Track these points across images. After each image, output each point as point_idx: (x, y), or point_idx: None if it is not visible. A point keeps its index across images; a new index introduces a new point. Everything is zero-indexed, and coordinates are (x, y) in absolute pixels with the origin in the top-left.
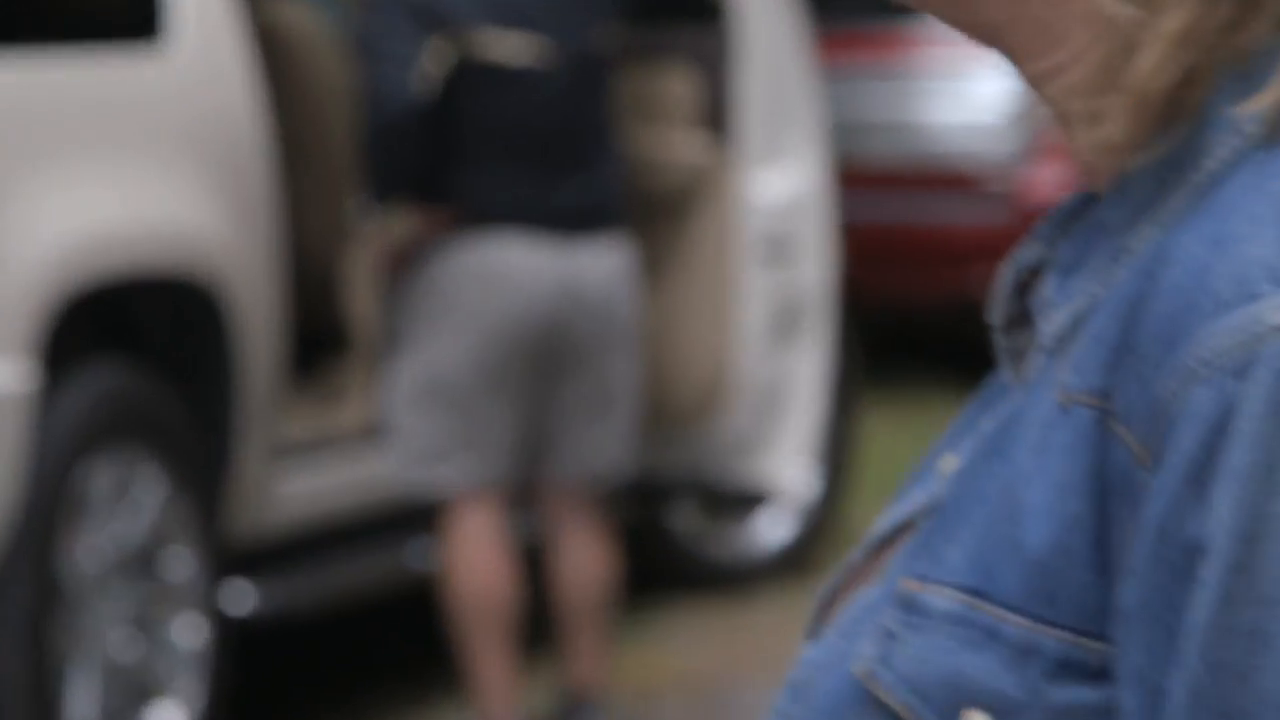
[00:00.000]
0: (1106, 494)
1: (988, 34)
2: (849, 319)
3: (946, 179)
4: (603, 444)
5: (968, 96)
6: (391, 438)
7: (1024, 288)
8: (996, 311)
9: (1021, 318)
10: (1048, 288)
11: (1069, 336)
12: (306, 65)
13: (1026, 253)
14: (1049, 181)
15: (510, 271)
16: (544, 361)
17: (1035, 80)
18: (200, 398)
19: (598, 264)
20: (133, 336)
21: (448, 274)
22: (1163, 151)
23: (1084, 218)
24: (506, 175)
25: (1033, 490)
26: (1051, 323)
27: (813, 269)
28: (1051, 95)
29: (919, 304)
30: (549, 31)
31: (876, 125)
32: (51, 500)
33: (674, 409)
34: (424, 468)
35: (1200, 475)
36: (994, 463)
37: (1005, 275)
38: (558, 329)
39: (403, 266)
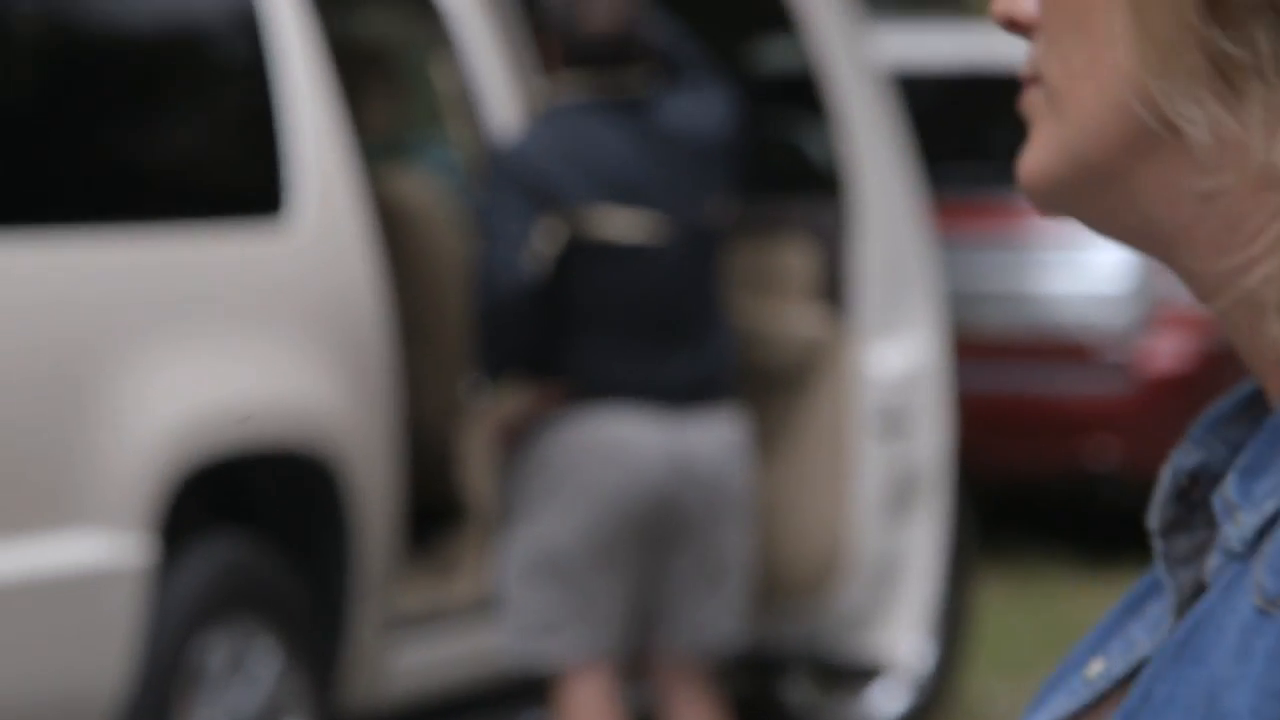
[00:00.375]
0: None
1: (1156, 241)
2: (964, 490)
3: (1064, 349)
4: (715, 616)
5: (1085, 266)
6: (503, 610)
7: (1183, 492)
8: (1154, 515)
9: (1181, 522)
10: (1230, 491)
11: (1259, 541)
12: (425, 237)
13: (1185, 457)
14: (1166, 353)
15: (621, 446)
16: (655, 534)
17: (1216, 279)
18: (316, 571)
19: (709, 437)
20: (251, 510)
21: (560, 448)
22: None
23: (1255, 419)
24: (618, 350)
25: (1236, 696)
26: (1239, 527)
27: (928, 442)
28: (1234, 293)
29: (1035, 475)
30: (661, 206)
31: (994, 295)
32: (168, 673)
33: (789, 582)
34: (535, 641)
35: None
36: (1186, 668)
37: (1164, 479)
38: (668, 502)
39: (516, 440)
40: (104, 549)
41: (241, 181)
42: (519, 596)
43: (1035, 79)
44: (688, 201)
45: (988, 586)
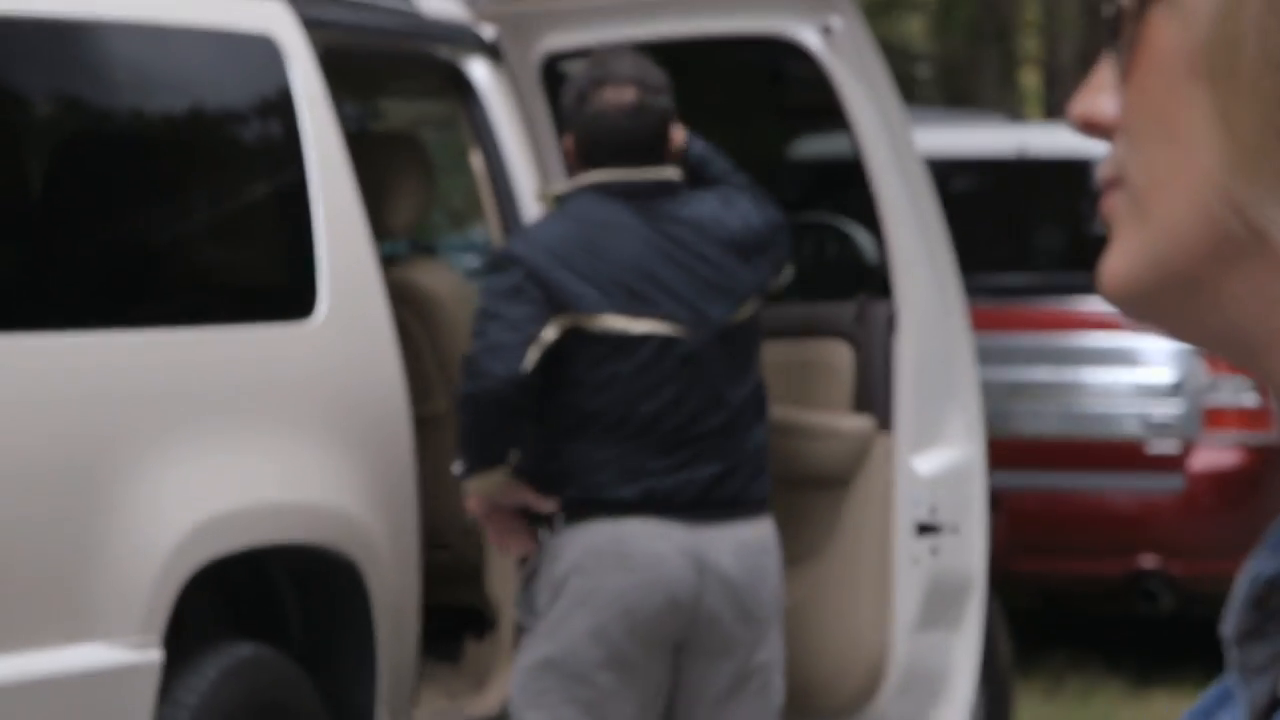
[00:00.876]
0: None
1: (1244, 348)
2: (1003, 597)
3: (1117, 449)
4: None
5: (1135, 365)
6: None
7: (1261, 600)
8: (1230, 623)
9: (1257, 630)
10: None
11: None
12: (453, 332)
13: (1264, 562)
14: (1218, 450)
15: (633, 551)
16: (674, 644)
17: None
18: (336, 680)
19: (733, 543)
20: (269, 617)
21: (570, 554)
22: None
23: None
24: (632, 454)
25: None
26: None
27: (969, 550)
28: None
29: (1086, 580)
30: (679, 308)
31: (1043, 395)
32: None
33: (831, 694)
34: None
35: None
36: None
37: (1240, 585)
38: (687, 610)
39: (497, 516)
40: (115, 654)
41: (267, 280)
42: (529, 709)
43: (1117, 182)
44: (710, 303)
45: (1028, 695)
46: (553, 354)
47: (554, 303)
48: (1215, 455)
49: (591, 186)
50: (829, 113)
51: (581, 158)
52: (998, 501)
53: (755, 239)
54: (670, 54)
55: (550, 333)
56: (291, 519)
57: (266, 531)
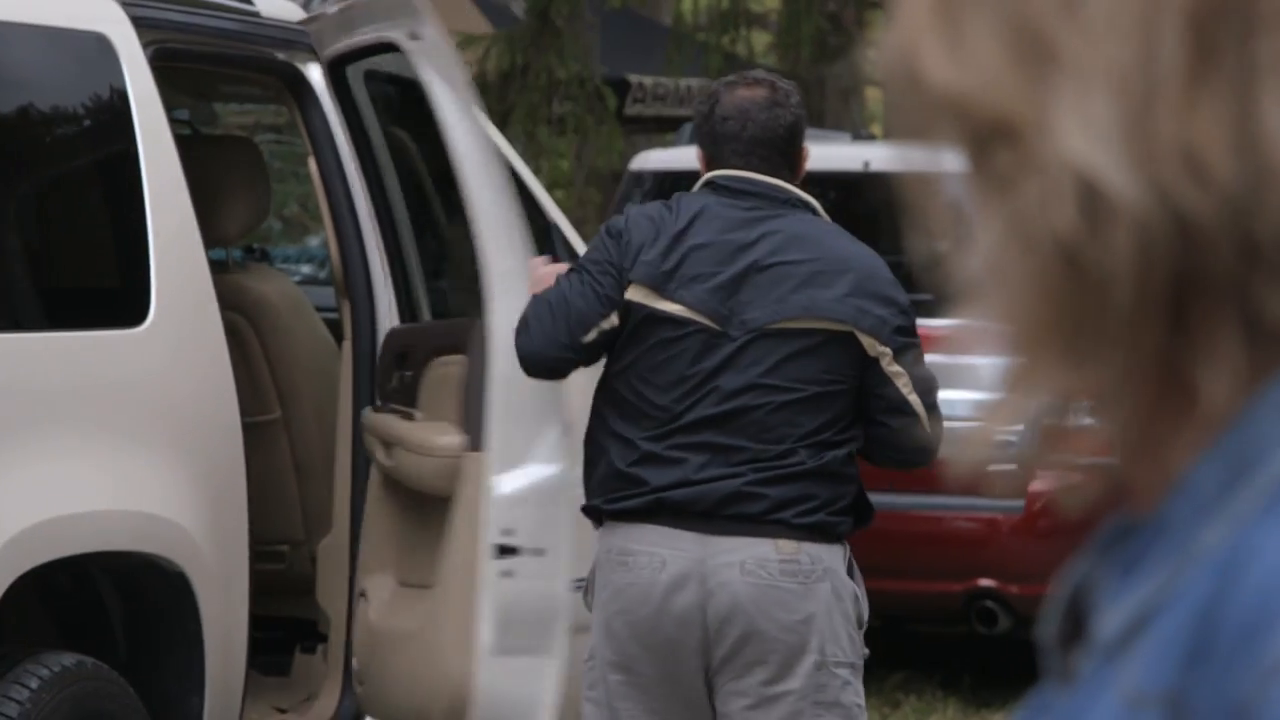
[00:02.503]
0: None
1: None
2: None
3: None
4: None
5: (978, 385)
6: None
7: (1077, 605)
8: (1045, 629)
9: (1072, 637)
10: (1105, 585)
11: (1131, 636)
12: (286, 337)
13: (1076, 570)
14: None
15: (641, 557)
16: (684, 657)
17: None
18: (162, 689)
19: (746, 556)
20: (93, 625)
21: (598, 554)
22: (1223, 451)
23: (1140, 523)
24: (651, 444)
25: None
26: (1111, 622)
27: (552, 573)
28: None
29: (925, 600)
30: (718, 311)
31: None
32: None
33: None
34: None
35: None
36: None
37: (1058, 592)
38: (693, 625)
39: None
40: None
41: (97, 285)
42: (585, 701)
43: None
44: (756, 305)
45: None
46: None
47: (622, 279)
48: (1055, 478)
49: (706, 184)
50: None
51: (710, 163)
52: None
53: (866, 275)
54: None
55: (616, 317)
56: (117, 527)
57: (90, 540)
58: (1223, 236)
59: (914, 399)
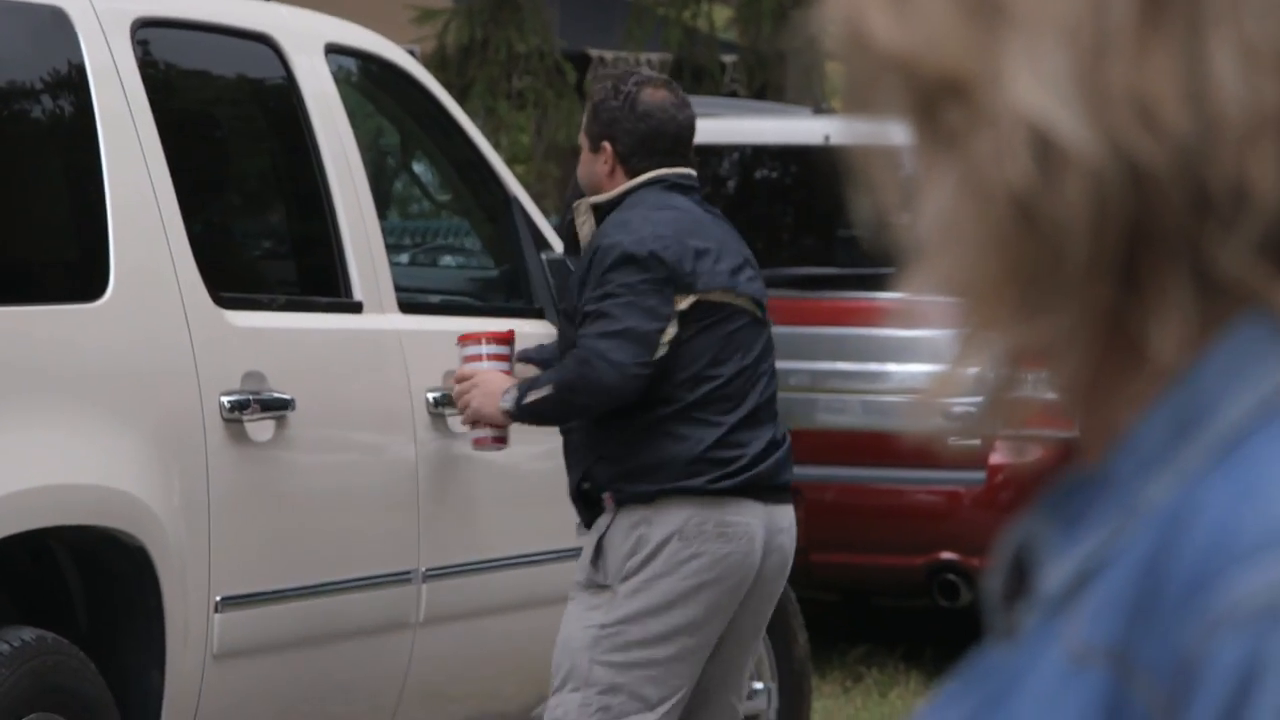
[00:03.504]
0: None
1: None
2: (801, 591)
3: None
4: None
5: (938, 357)
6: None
7: (1020, 562)
8: (990, 587)
9: (1019, 593)
10: (1049, 541)
11: (1075, 591)
12: None
13: (1020, 528)
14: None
15: (740, 527)
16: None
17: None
18: (123, 664)
19: (789, 517)
20: (53, 600)
21: (679, 524)
22: (1169, 405)
23: (1085, 479)
24: (737, 432)
25: None
26: (1055, 577)
27: None
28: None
29: (886, 573)
30: (756, 285)
31: (845, 387)
32: None
33: None
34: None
35: None
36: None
37: (1002, 549)
38: (755, 579)
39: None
40: None
41: (56, 260)
42: (605, 677)
43: None
44: (760, 286)
45: (826, 690)
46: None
47: (681, 287)
48: (1014, 449)
49: (653, 181)
50: None
51: (635, 153)
52: (798, 494)
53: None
54: None
55: (675, 324)
56: (76, 501)
57: (49, 514)
58: (1175, 186)
59: None
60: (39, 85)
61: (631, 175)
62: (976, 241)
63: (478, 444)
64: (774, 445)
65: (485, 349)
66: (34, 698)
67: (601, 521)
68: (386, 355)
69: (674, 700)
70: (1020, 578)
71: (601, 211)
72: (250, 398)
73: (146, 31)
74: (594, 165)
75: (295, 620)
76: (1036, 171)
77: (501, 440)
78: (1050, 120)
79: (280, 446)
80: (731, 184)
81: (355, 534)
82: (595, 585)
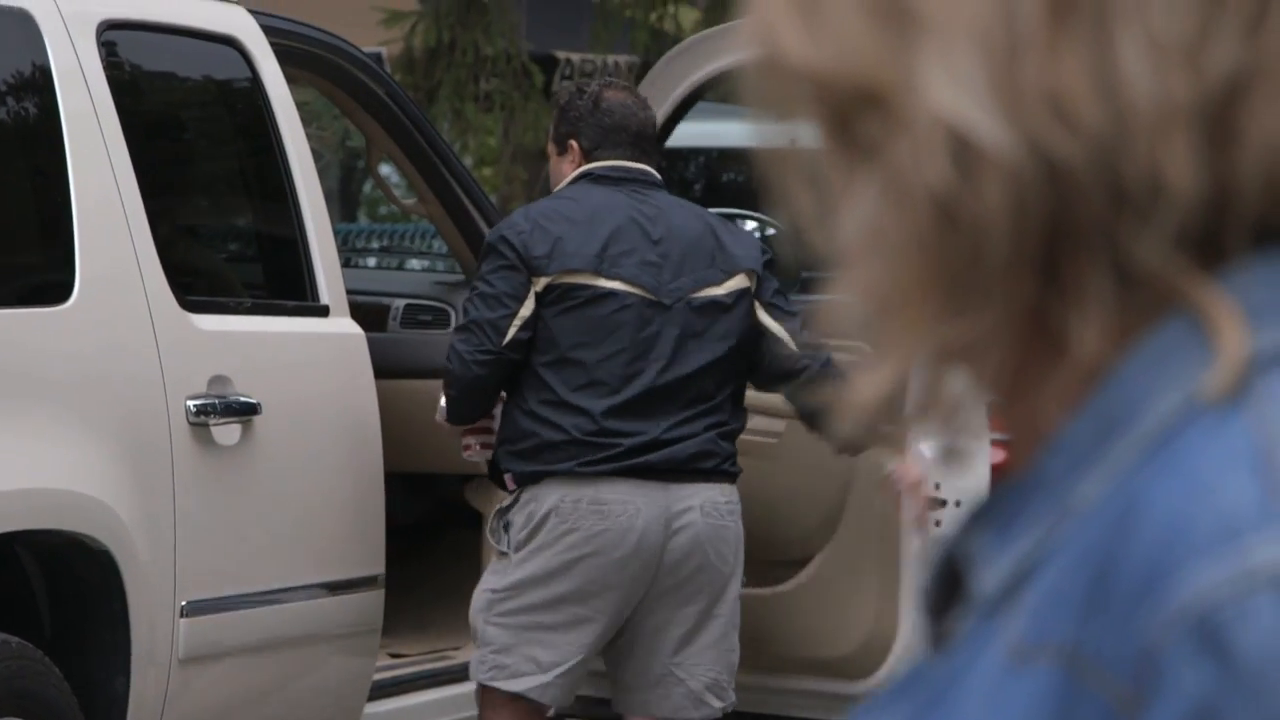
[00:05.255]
0: None
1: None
2: None
3: None
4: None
5: None
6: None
7: (951, 572)
8: (926, 597)
9: (949, 603)
10: (982, 544)
11: (1011, 591)
12: None
13: (956, 535)
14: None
15: (608, 504)
16: (648, 591)
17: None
18: (88, 668)
19: (697, 501)
20: (17, 604)
21: (556, 501)
22: (1096, 405)
23: (1014, 483)
24: (610, 413)
25: None
26: (990, 579)
27: None
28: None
29: None
30: (649, 283)
31: None
32: None
33: None
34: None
35: None
36: None
37: (936, 559)
38: (657, 561)
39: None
40: None
41: (21, 263)
42: (490, 625)
43: None
44: (671, 274)
45: None
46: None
47: (530, 266)
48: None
49: (584, 175)
50: None
51: (582, 146)
52: None
53: (741, 244)
54: None
55: (530, 304)
56: (41, 505)
57: (14, 518)
58: (1091, 182)
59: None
60: (3, 87)
61: None
62: (899, 247)
63: (466, 452)
64: (683, 436)
65: None
66: None
67: (507, 497)
68: (353, 359)
69: (568, 665)
70: (951, 588)
71: None
72: (216, 401)
73: (112, 34)
74: (561, 166)
75: (261, 625)
76: (955, 173)
77: (488, 446)
78: (967, 122)
79: (246, 450)
80: (698, 187)
81: (322, 538)
82: (499, 553)
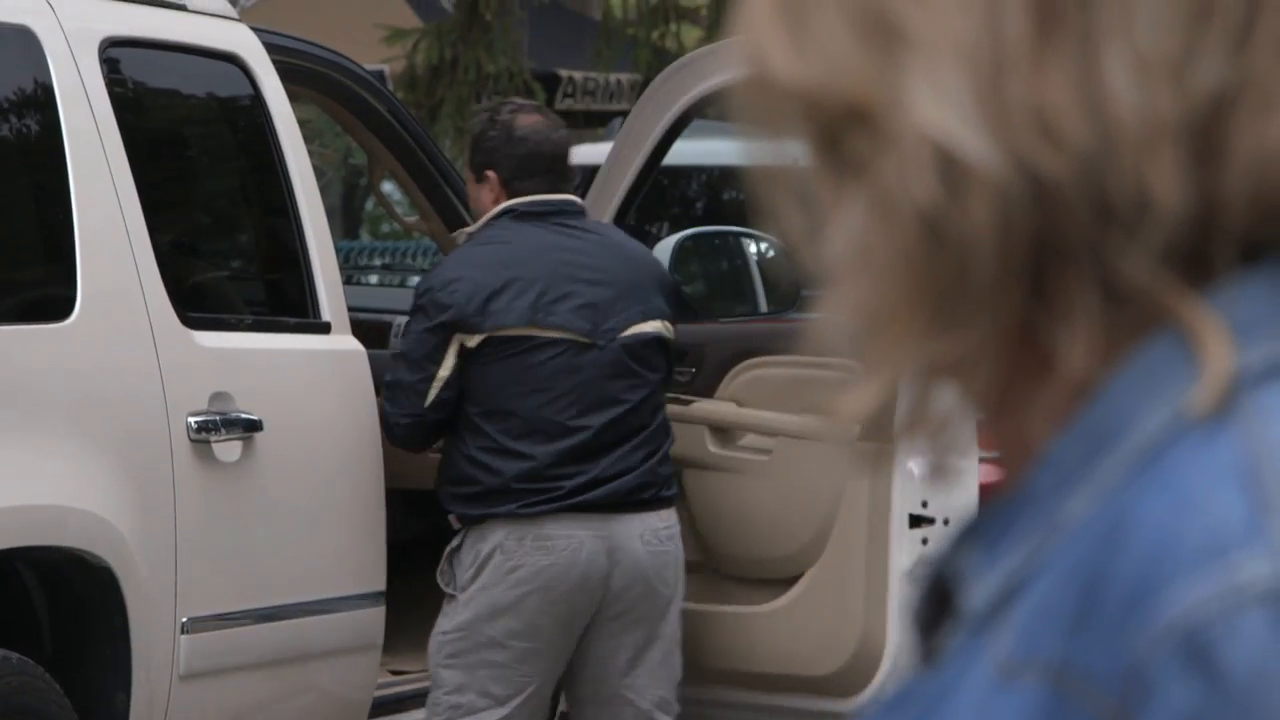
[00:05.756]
0: None
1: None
2: None
3: None
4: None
5: None
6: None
7: (939, 589)
8: (915, 615)
9: (937, 620)
10: (970, 560)
11: (999, 607)
12: None
13: (944, 552)
14: None
15: (555, 540)
16: (593, 619)
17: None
18: (89, 685)
19: (639, 530)
20: (19, 621)
21: (501, 538)
22: (1084, 422)
23: (1003, 500)
24: (555, 458)
25: None
26: (978, 595)
27: None
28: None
29: None
30: (584, 327)
31: None
32: None
33: None
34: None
35: None
36: None
37: (924, 576)
38: (602, 590)
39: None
40: None
41: (22, 280)
42: (445, 669)
43: None
44: (606, 312)
45: None
46: (470, 364)
47: (460, 325)
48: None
49: (506, 211)
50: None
51: (501, 180)
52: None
53: (653, 271)
54: None
55: (449, 364)
56: (41, 521)
57: (14, 534)
58: (1078, 198)
59: None
60: (5, 105)
61: (515, 197)
62: (886, 263)
63: None
64: (622, 470)
65: None
66: None
67: (454, 538)
68: (355, 375)
69: (523, 696)
70: (939, 605)
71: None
72: (218, 418)
73: (114, 51)
74: (480, 195)
75: (262, 641)
76: (942, 190)
77: None
78: (953, 138)
79: (248, 467)
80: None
81: (324, 554)
82: (446, 594)
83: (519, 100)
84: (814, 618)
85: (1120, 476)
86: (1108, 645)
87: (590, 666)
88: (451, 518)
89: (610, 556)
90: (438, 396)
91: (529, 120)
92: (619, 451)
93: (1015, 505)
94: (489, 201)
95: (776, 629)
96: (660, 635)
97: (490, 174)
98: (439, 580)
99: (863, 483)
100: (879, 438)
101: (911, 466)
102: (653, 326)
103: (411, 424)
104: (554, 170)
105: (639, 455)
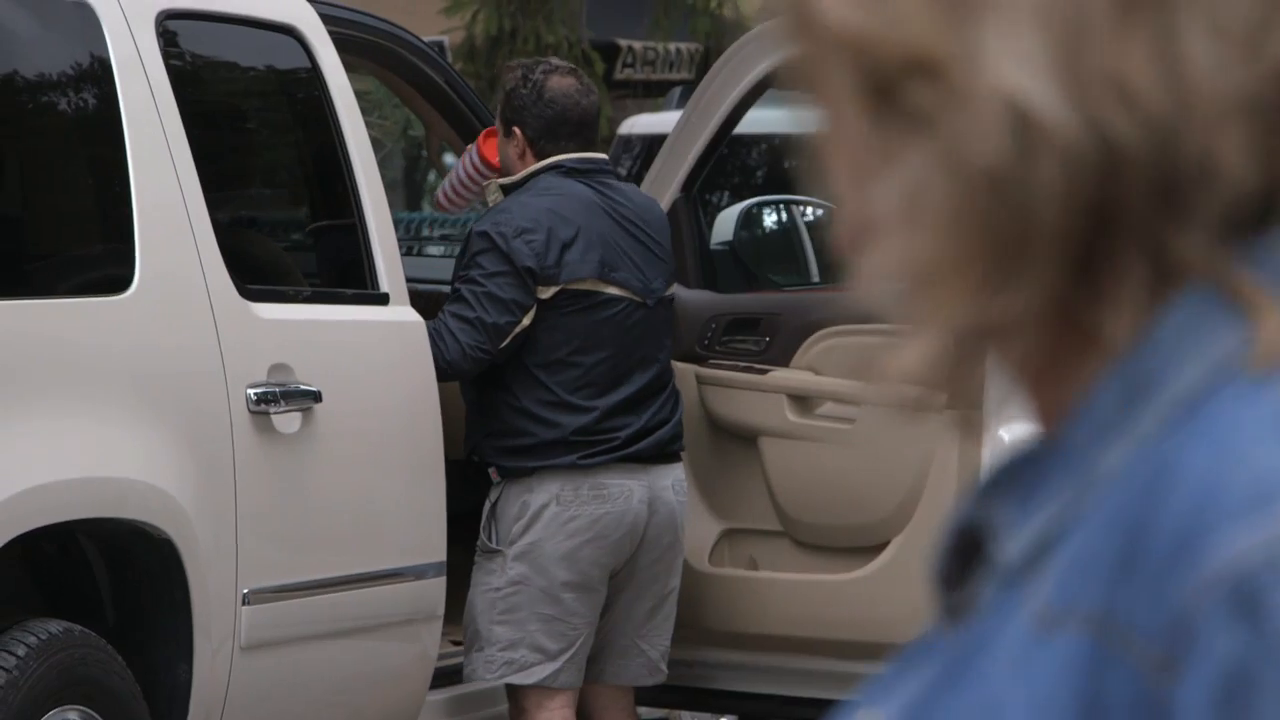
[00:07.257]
0: (1105, 716)
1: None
2: None
3: None
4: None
5: None
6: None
7: (967, 543)
8: (936, 567)
9: (964, 574)
10: (1003, 514)
11: (1035, 560)
12: None
13: (969, 507)
14: None
15: (609, 491)
16: (620, 570)
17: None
18: (151, 656)
19: (671, 481)
20: (81, 593)
21: (557, 489)
22: (1121, 374)
23: (1036, 453)
24: (613, 407)
25: (1015, 713)
26: (1013, 547)
27: None
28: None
29: None
30: (634, 275)
31: None
32: None
33: None
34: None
35: (1231, 690)
36: (961, 692)
37: (947, 530)
38: (640, 539)
39: None
40: None
41: (82, 253)
42: (497, 625)
43: None
44: (651, 272)
45: None
46: (539, 315)
47: (539, 275)
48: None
49: (550, 167)
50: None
51: (536, 139)
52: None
53: (668, 233)
54: None
55: (532, 313)
56: (103, 494)
57: (77, 506)
58: (1146, 166)
59: None
60: (64, 79)
61: (540, 158)
62: (943, 220)
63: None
64: (660, 422)
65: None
66: (61, 690)
67: (492, 492)
68: (413, 346)
69: (574, 649)
70: (964, 559)
71: (509, 192)
72: (277, 390)
73: (171, 24)
74: (507, 149)
75: (323, 613)
76: (1013, 148)
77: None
78: (1030, 98)
79: (307, 439)
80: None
81: (382, 526)
82: (489, 550)
83: (555, 61)
84: (903, 585)
85: (1160, 427)
86: (1151, 594)
87: (611, 617)
88: (491, 471)
89: (650, 506)
90: (511, 342)
91: (560, 83)
92: (655, 404)
93: (1050, 457)
94: (514, 156)
95: (865, 596)
96: (674, 587)
97: (517, 131)
98: (482, 536)
99: (953, 451)
100: (967, 405)
101: (1003, 434)
102: (673, 289)
103: (484, 360)
104: (580, 135)
105: (668, 408)
